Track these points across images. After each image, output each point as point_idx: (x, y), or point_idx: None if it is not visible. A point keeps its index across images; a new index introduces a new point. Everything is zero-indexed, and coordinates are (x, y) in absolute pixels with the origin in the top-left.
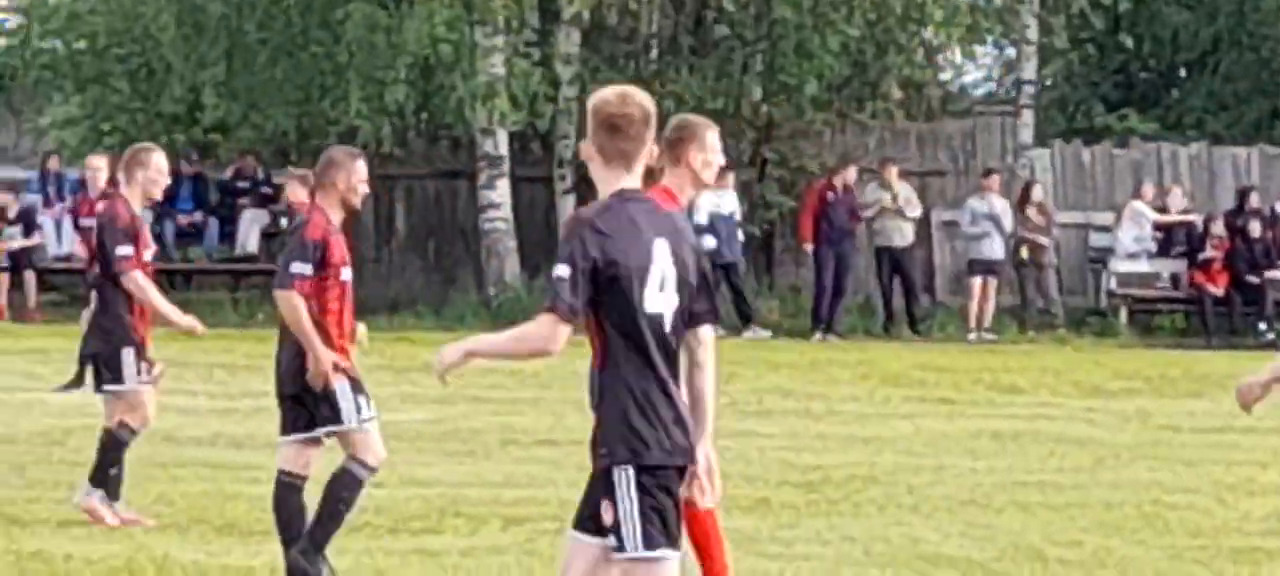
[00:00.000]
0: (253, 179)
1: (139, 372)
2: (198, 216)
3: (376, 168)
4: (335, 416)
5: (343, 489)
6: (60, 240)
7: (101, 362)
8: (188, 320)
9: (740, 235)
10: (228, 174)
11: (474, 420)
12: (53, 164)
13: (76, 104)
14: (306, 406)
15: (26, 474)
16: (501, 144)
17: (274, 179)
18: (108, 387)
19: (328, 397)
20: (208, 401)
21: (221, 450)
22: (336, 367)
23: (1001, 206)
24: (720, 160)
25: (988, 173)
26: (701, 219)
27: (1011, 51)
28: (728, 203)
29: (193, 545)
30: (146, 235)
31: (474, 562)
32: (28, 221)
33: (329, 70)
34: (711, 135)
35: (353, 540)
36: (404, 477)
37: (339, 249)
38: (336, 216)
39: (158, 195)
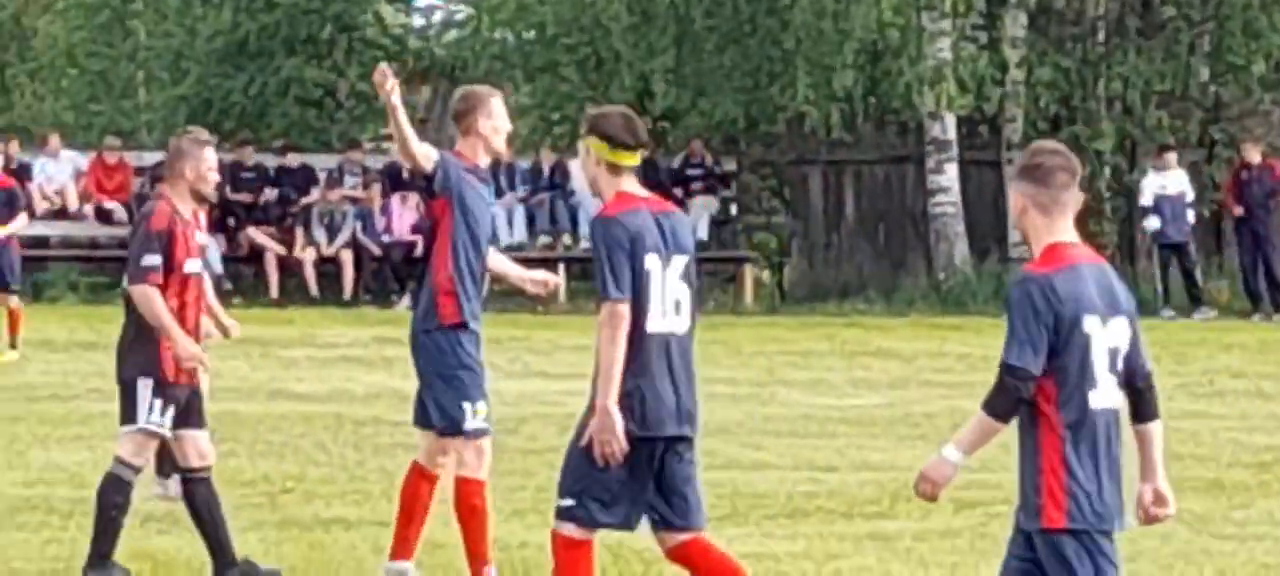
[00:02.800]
0: (702, 166)
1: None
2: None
3: (825, 153)
4: (132, 415)
5: (108, 491)
6: (512, 229)
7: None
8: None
9: (1190, 216)
10: (677, 162)
11: (926, 404)
12: (505, 153)
13: (526, 94)
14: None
15: None
16: (949, 128)
17: (723, 166)
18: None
19: (130, 395)
20: None
21: None
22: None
23: None
24: (507, 126)
25: None
26: (1146, 200)
27: None
28: (1174, 183)
29: (643, 528)
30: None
31: (926, 547)
32: None
33: (776, 57)
34: (496, 102)
35: (805, 524)
36: (856, 462)
37: (184, 242)
38: (186, 207)
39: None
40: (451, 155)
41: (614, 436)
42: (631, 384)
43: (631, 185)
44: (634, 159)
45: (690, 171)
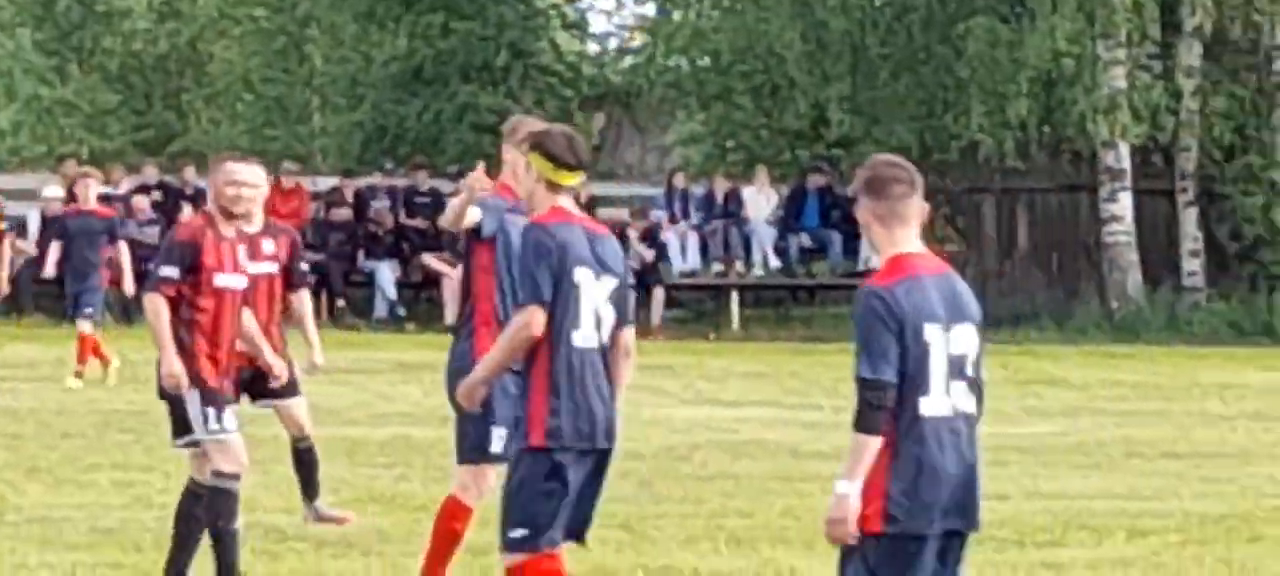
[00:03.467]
0: None
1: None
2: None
3: (999, 181)
4: (185, 426)
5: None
6: (685, 256)
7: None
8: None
9: None
10: (851, 190)
11: (1099, 432)
12: (678, 181)
13: (700, 121)
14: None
15: (653, 488)
16: (1123, 157)
17: None
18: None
19: (178, 406)
20: (833, 415)
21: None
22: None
23: None
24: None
25: None
26: None
27: None
28: None
29: (820, 559)
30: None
31: None
32: (652, 239)
33: (951, 85)
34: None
35: (977, 552)
36: (1029, 491)
37: (216, 254)
38: (227, 227)
39: (237, 211)
40: (491, 196)
41: (475, 403)
42: (567, 398)
43: (567, 204)
44: (573, 179)
45: None
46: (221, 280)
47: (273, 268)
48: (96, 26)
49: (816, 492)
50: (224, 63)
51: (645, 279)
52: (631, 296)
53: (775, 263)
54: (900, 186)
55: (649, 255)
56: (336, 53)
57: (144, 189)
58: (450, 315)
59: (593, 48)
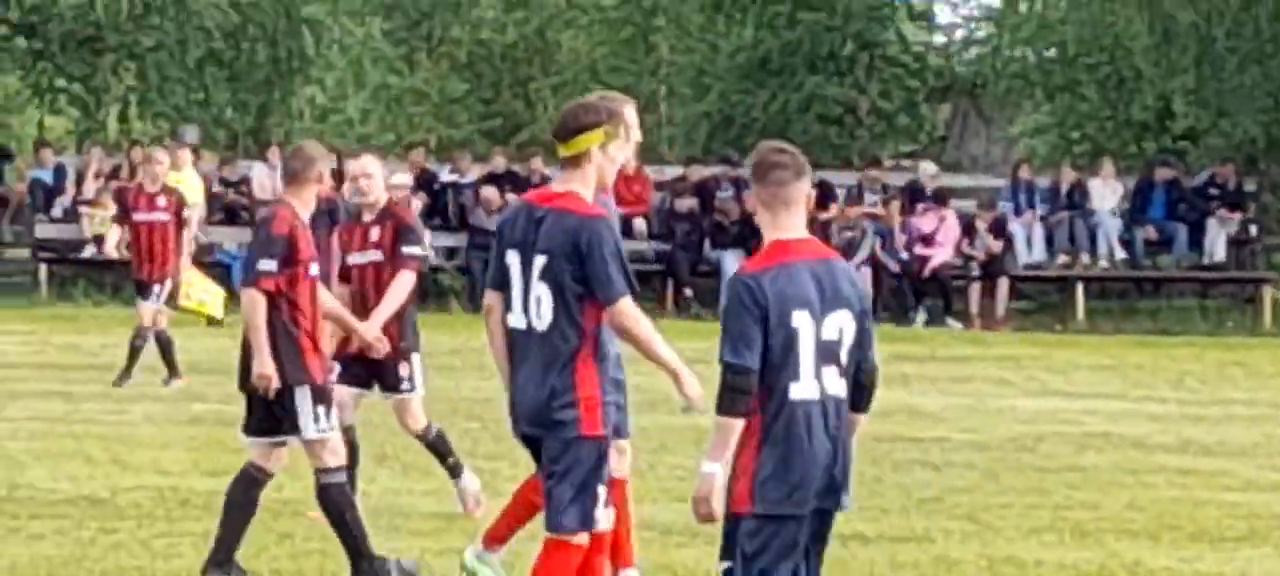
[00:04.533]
0: (1223, 187)
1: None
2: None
3: None
4: (293, 425)
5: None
6: (1030, 248)
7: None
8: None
9: None
10: (1199, 181)
11: None
12: (1024, 172)
13: (1046, 112)
14: (270, 410)
15: (999, 479)
16: None
17: (1245, 187)
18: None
19: (285, 405)
20: (1178, 408)
21: (1192, 457)
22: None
23: None
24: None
25: None
26: None
27: None
28: None
29: (1164, 551)
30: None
31: None
32: (999, 230)
33: None
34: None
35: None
36: None
37: (307, 245)
38: (306, 212)
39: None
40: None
41: None
42: (512, 382)
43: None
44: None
45: (1210, 190)
46: (317, 269)
47: (378, 255)
48: (445, 15)
49: (1161, 485)
50: (571, 52)
51: (991, 270)
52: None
53: (1121, 255)
54: (784, 171)
55: (996, 246)
56: (683, 43)
57: (492, 178)
58: None
59: (939, 38)
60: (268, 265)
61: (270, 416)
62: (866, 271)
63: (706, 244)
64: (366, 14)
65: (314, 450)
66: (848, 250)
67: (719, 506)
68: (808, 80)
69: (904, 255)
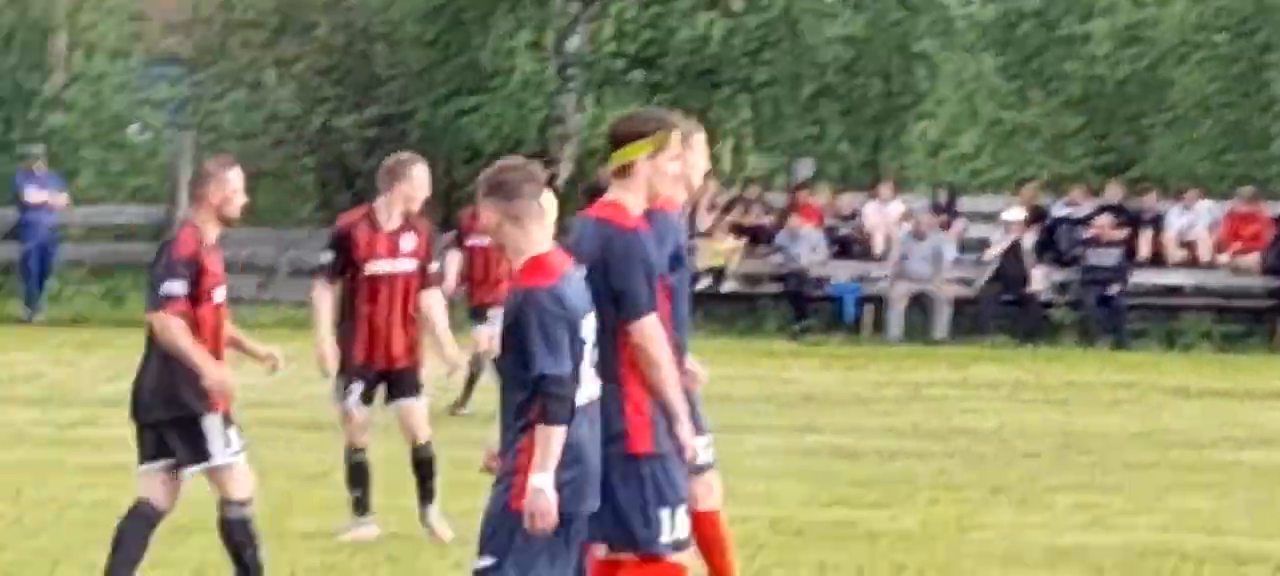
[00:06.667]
0: None
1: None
2: None
3: None
4: (203, 453)
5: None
6: None
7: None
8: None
9: None
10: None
11: None
12: None
13: None
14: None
15: None
16: None
17: None
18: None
19: (192, 432)
20: None
21: None
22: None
23: None
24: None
25: None
26: None
27: None
28: None
29: None
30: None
31: None
32: None
33: None
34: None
35: None
36: None
37: (213, 268)
38: (212, 232)
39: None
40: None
41: None
42: None
43: None
44: None
45: None
46: (222, 294)
47: (411, 265)
48: (1058, 50)
49: None
50: (1183, 89)
51: None
52: None
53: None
54: (533, 185)
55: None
56: None
57: (1106, 209)
58: None
59: None
60: (175, 287)
61: (163, 444)
62: None
63: None
64: (980, 49)
65: (221, 478)
66: None
67: (554, 520)
68: None
69: None
